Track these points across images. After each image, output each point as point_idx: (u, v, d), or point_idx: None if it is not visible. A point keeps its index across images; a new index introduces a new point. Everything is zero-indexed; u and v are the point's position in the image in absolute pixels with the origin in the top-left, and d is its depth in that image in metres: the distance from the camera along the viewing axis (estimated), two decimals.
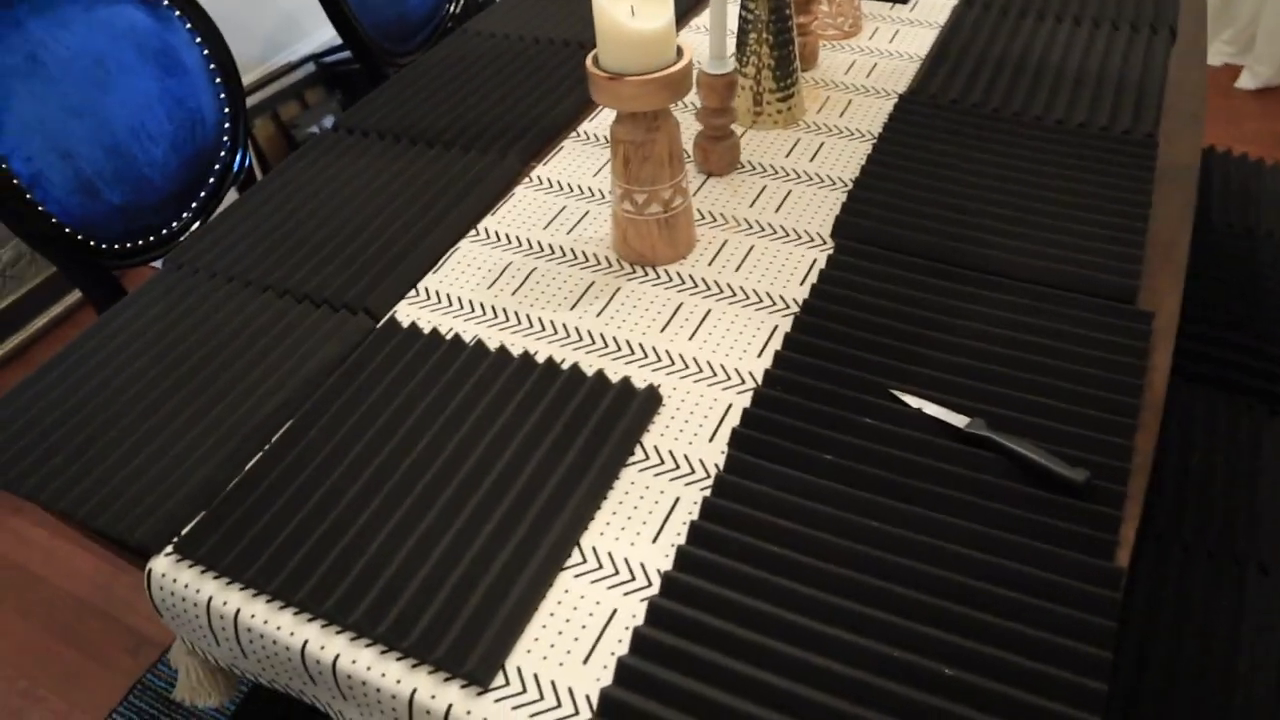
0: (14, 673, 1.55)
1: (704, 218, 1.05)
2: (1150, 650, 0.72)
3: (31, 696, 1.52)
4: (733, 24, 1.27)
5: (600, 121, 1.24)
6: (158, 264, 1.41)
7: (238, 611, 0.72)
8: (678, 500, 0.76)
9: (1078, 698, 0.60)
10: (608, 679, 0.65)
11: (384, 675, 0.67)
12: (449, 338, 0.91)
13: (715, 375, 0.86)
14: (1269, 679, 0.69)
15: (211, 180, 1.43)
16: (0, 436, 0.87)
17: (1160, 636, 0.72)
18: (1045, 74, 1.22)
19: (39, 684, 1.54)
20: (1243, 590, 0.76)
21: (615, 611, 0.69)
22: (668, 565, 0.71)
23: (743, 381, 0.85)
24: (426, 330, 0.93)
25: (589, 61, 0.88)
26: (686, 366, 0.87)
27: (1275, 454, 0.91)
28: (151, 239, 1.36)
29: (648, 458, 0.79)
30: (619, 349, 0.90)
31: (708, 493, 0.76)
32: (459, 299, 0.98)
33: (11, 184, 1.18)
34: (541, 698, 0.64)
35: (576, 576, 0.71)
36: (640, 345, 0.90)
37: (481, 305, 0.96)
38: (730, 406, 0.83)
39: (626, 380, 0.85)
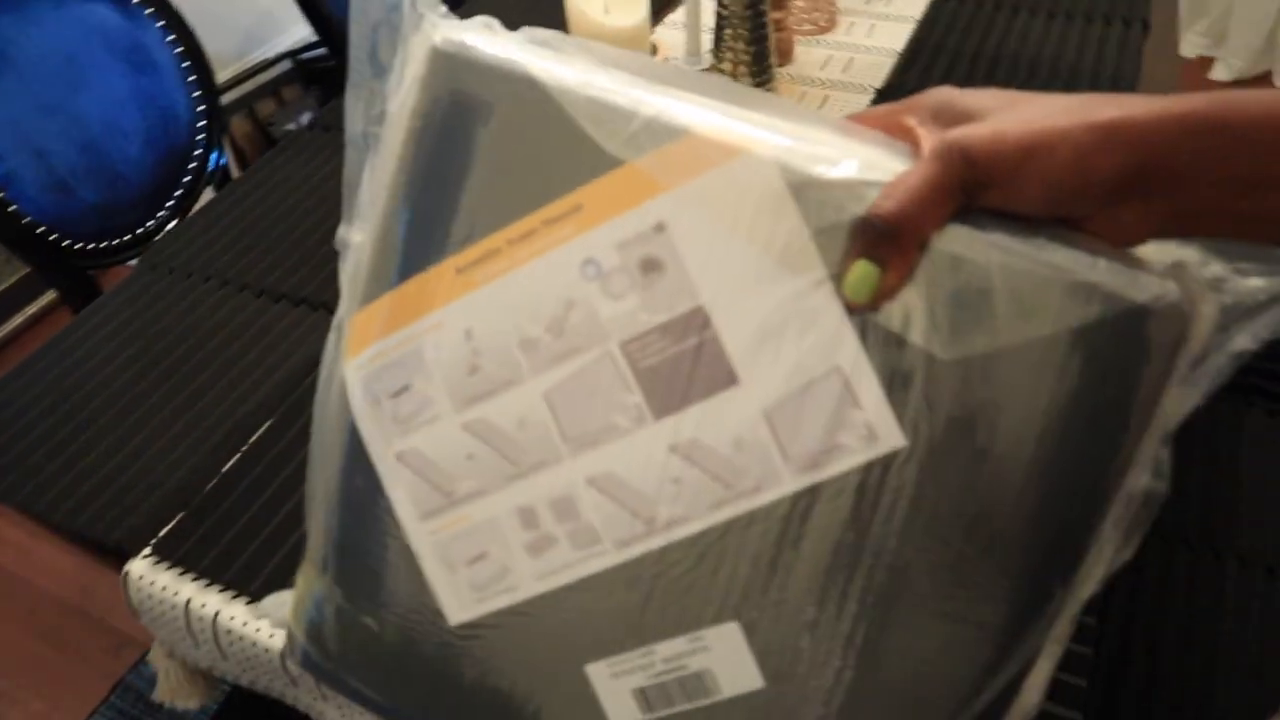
0: None
1: None
2: (1130, 645, 0.72)
3: (11, 698, 1.52)
4: (709, 20, 1.27)
5: None
6: (134, 263, 1.40)
7: (216, 614, 0.72)
8: None
9: (1057, 693, 0.60)
10: None
11: None
12: None
13: None
14: (1247, 674, 0.70)
15: (187, 178, 1.42)
16: None
17: (1139, 630, 0.73)
18: (1020, 68, 1.23)
19: (19, 685, 1.53)
20: (1223, 583, 0.77)
21: None
22: None
23: None
24: None
25: None
26: None
27: (1255, 445, 0.92)
28: (127, 238, 1.35)
29: None
30: None
31: None
32: None
33: None
34: None
35: None
36: None
37: None
38: None
39: None
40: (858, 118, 0.40)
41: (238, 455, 0.82)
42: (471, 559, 0.43)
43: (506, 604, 0.43)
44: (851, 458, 0.37)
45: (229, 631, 0.72)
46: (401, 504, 0.43)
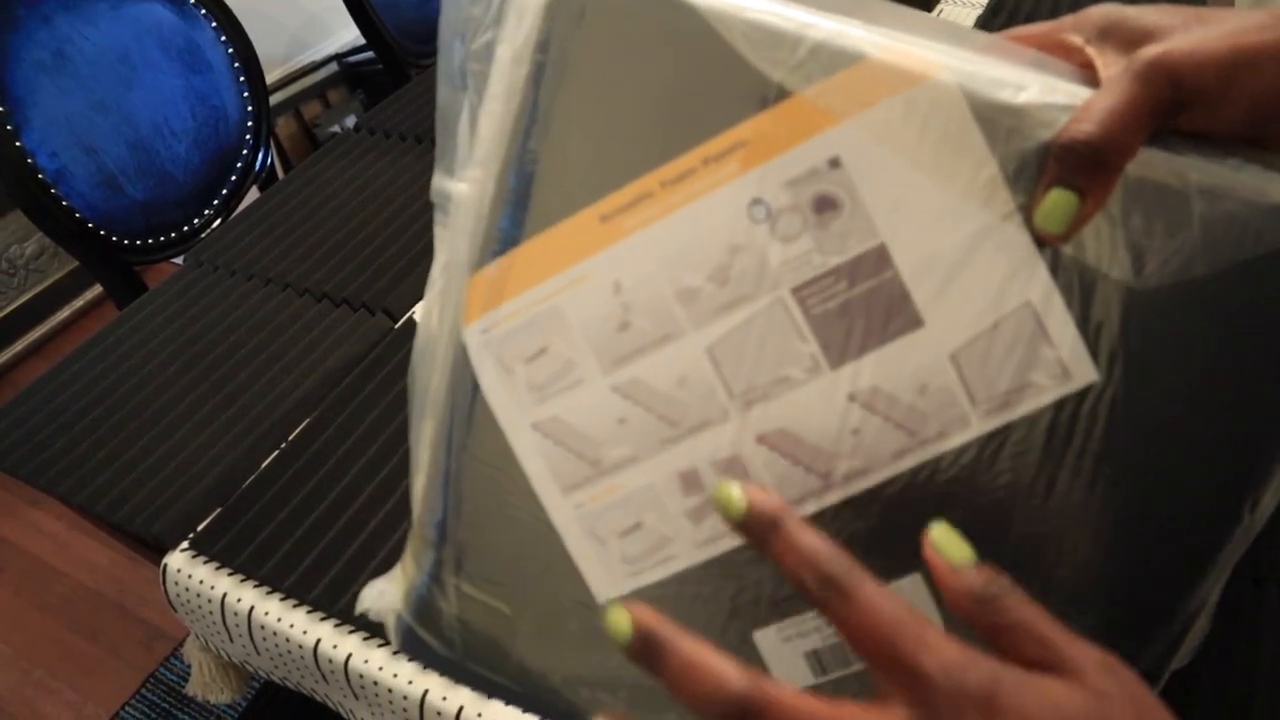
0: (28, 663, 1.57)
1: None
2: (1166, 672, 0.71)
3: (45, 687, 1.54)
4: None
5: None
6: (179, 260, 1.42)
7: (251, 609, 0.72)
8: None
9: None
10: None
11: (396, 675, 0.67)
12: None
13: None
14: None
15: (233, 178, 1.44)
16: (20, 430, 0.87)
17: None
18: None
19: (53, 675, 1.55)
20: (1262, 611, 0.75)
21: None
22: None
23: None
24: None
25: None
26: None
27: None
28: (173, 235, 1.37)
29: None
30: None
31: None
32: None
33: (37, 178, 1.19)
34: None
35: None
36: None
37: None
38: None
39: None
40: (1013, 36, 0.38)
41: (276, 452, 0.83)
42: (624, 530, 0.40)
43: (663, 575, 0.40)
44: (1042, 396, 0.35)
45: (263, 626, 0.72)
46: (540, 477, 0.40)
